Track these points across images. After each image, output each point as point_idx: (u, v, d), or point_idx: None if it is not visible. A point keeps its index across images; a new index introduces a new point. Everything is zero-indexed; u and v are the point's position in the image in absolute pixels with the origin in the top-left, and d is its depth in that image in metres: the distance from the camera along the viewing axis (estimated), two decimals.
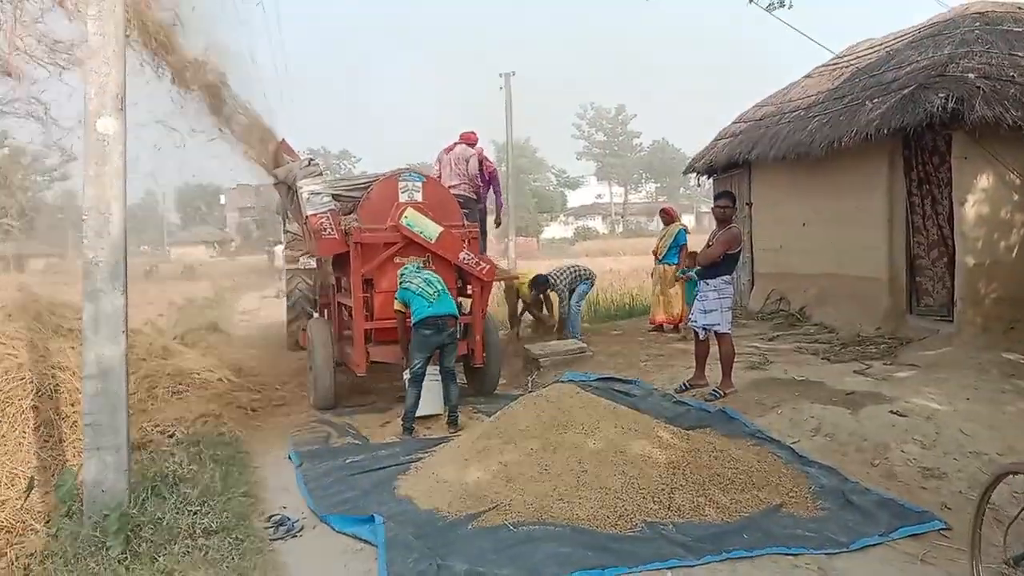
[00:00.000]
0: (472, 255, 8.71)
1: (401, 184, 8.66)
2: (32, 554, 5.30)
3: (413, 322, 7.60)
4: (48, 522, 5.73)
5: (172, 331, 13.80)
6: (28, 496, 5.97)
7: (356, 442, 7.44)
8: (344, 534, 5.17)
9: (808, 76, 13.21)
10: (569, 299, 11.31)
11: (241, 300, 26.15)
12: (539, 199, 74.83)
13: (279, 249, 22.19)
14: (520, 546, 4.68)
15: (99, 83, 5.17)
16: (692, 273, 10.34)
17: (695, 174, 14.93)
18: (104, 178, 5.21)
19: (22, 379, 7.15)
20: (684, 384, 8.10)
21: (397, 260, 8.43)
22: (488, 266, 8.92)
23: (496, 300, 13.68)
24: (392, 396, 9.11)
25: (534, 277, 11.55)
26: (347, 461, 6.68)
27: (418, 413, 7.68)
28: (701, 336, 7.90)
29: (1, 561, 5.31)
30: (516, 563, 4.45)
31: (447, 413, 7.84)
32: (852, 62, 12.06)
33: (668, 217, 11.76)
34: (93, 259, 5.20)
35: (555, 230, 77.51)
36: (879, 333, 9.67)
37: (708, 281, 7.72)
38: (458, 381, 8.01)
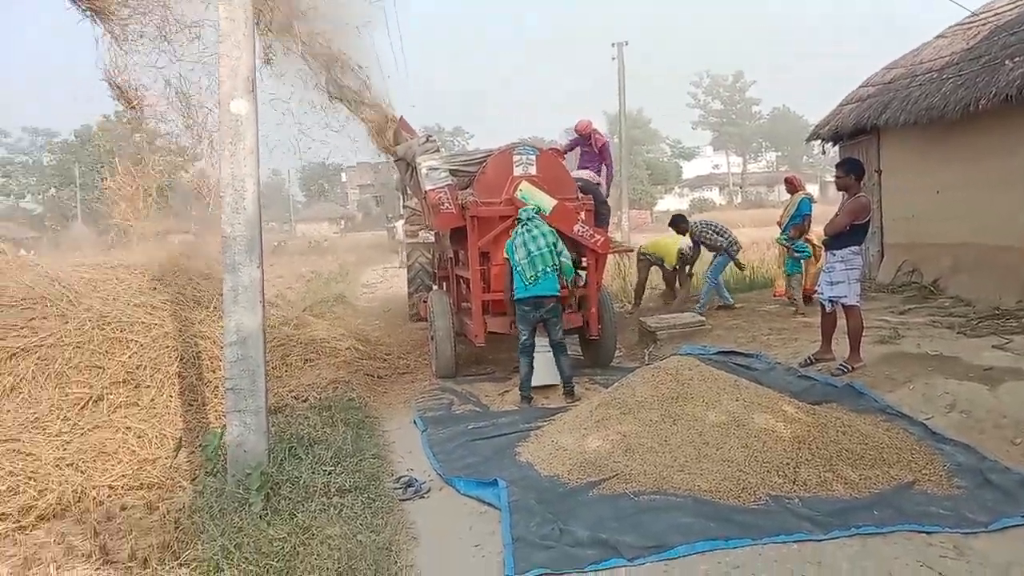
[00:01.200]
0: (587, 227, 8.70)
1: (515, 158, 8.73)
2: (181, 508, 5.72)
3: (514, 297, 7.78)
4: (194, 479, 6.17)
5: (301, 303, 14.47)
6: (177, 455, 6.44)
7: (477, 409, 7.65)
8: (468, 496, 5.36)
9: (941, 36, 12.42)
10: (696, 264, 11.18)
11: (363, 274, 27.04)
12: (653, 171, 73.54)
13: (399, 224, 22.77)
14: (641, 515, 4.72)
15: (231, 66, 5.44)
16: (786, 240, 10.00)
17: (819, 141, 14.34)
18: (238, 156, 5.48)
19: (168, 347, 7.68)
20: (809, 358, 7.86)
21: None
22: (602, 238, 8.89)
23: (612, 273, 13.66)
24: (510, 366, 9.26)
25: (673, 218, 11.40)
26: (469, 427, 6.87)
27: (534, 383, 7.79)
28: (827, 308, 7.64)
29: (154, 514, 5.75)
30: (638, 531, 4.49)
31: (562, 384, 7.89)
32: (990, 19, 11.25)
33: (792, 186, 11.38)
34: (230, 233, 5.50)
35: (669, 202, 76.09)
36: (1020, 306, 9.08)
37: (835, 252, 7.44)
38: (568, 352, 8.00)
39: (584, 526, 4.60)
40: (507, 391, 8.28)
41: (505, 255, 7.91)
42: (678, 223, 12.00)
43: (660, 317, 10.57)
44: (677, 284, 12.38)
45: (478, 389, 8.44)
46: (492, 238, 8.55)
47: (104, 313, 7.71)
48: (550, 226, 7.95)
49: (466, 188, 8.83)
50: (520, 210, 8.03)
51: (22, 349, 7.02)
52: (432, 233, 12.11)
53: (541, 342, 7.93)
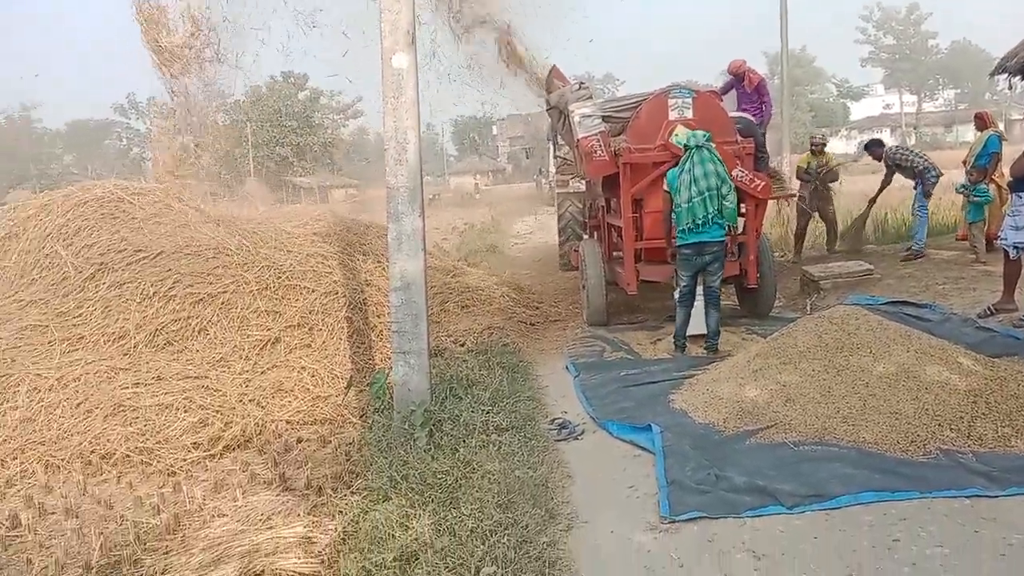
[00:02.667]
0: (746, 172, 8.39)
1: (671, 101, 8.50)
2: (351, 442, 6.12)
3: (676, 243, 7.50)
4: (363, 416, 6.57)
5: (456, 253, 14.91)
6: (347, 393, 6.86)
7: (629, 357, 7.65)
8: (622, 440, 5.41)
9: None
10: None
11: (514, 225, 27.40)
12: (817, 112, 69.56)
13: (550, 175, 22.88)
14: (801, 464, 4.61)
15: (391, 21, 5.58)
16: (963, 188, 9.20)
17: (1005, 75, 13.05)
18: (400, 110, 5.67)
19: (336, 294, 8.14)
20: (989, 308, 7.33)
21: None
22: (763, 183, 8.56)
23: (771, 221, 13.17)
24: (662, 315, 9.21)
25: (869, 143, 10.99)
26: (621, 374, 6.90)
27: (689, 332, 7.67)
28: (1011, 255, 7.06)
29: (327, 447, 6.18)
30: (797, 480, 4.39)
31: (705, 339, 7.61)
32: None
33: (982, 122, 10.48)
34: (394, 184, 5.72)
35: (836, 145, 71.84)
36: None
37: (1021, 195, 6.84)
38: (721, 305, 7.71)
39: (741, 473, 4.55)
40: (659, 339, 8.24)
41: (665, 188, 7.51)
42: (873, 147, 11.33)
43: (824, 265, 10.12)
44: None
45: (630, 337, 8.43)
46: (645, 185, 8.41)
47: (279, 262, 8.26)
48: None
49: (619, 135, 8.71)
50: (689, 135, 7.49)
51: (208, 295, 7.64)
52: (583, 182, 12.09)
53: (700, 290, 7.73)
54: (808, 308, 8.94)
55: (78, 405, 6.23)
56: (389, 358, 7.05)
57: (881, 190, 11.57)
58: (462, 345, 8.02)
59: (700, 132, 7.46)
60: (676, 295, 7.73)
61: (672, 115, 8.43)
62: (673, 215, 7.43)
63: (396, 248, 5.74)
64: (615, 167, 8.53)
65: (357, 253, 9.24)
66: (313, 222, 9.67)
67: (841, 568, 3.58)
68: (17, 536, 4.90)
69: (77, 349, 6.85)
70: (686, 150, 7.37)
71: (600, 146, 8.53)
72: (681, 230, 7.31)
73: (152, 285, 7.46)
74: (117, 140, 76.35)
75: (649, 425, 5.38)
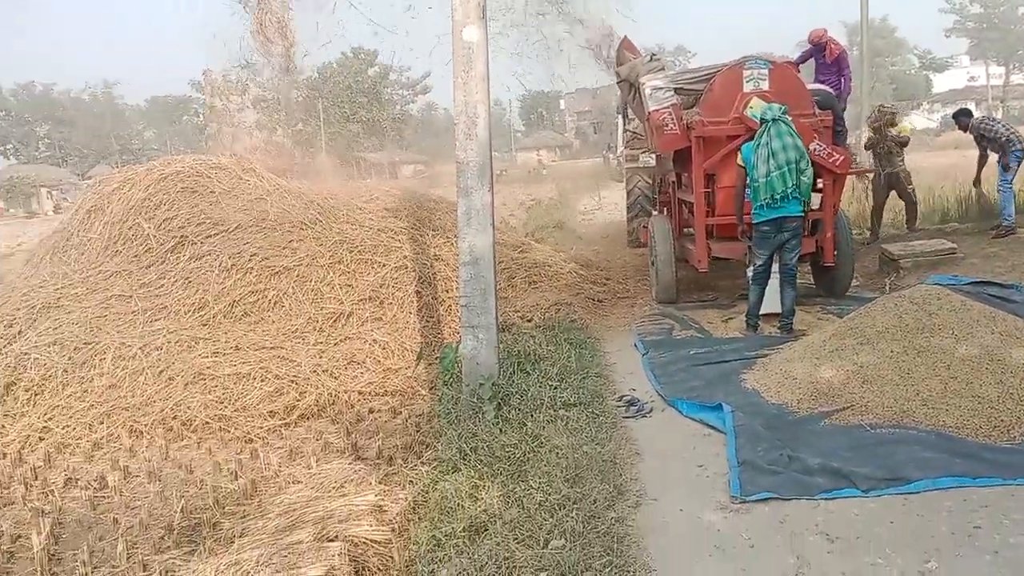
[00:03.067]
0: (824, 146, 8.13)
1: (746, 72, 8.28)
2: (421, 414, 6.23)
3: (752, 220, 7.32)
4: (432, 388, 6.66)
5: (523, 229, 14.90)
6: (417, 365, 6.96)
7: (699, 335, 7.56)
8: (691, 419, 5.36)
9: None
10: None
11: (581, 201, 27.22)
12: (898, 85, 66.95)
13: (618, 150, 22.62)
14: (878, 447, 4.50)
15: None
16: None
17: None
18: (470, 84, 5.65)
19: (406, 268, 8.24)
20: None
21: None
22: (841, 157, 8.29)
23: (849, 197, 12.79)
24: (734, 293, 9.06)
25: (957, 112, 10.61)
26: (691, 352, 6.82)
27: (763, 311, 7.52)
28: None
29: (397, 418, 6.30)
30: (874, 463, 4.29)
31: (779, 319, 7.40)
32: None
33: None
34: (464, 159, 5.72)
35: (917, 119, 69.18)
36: None
37: None
38: (796, 284, 7.49)
39: (815, 454, 4.46)
40: (731, 318, 8.11)
41: (740, 162, 7.32)
42: (960, 117, 10.87)
43: (905, 244, 9.78)
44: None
45: (700, 315, 8.32)
46: (719, 159, 8.24)
47: (352, 237, 8.40)
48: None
49: (691, 107, 8.55)
50: (765, 107, 7.28)
51: (283, 268, 7.83)
52: (653, 157, 11.91)
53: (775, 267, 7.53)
54: (887, 287, 8.67)
55: (160, 373, 6.49)
56: (457, 332, 7.13)
57: (980, 167, 11.06)
58: (529, 320, 8.03)
59: (776, 104, 7.25)
60: (750, 273, 7.57)
61: (747, 87, 8.21)
62: (748, 191, 7.25)
63: (465, 223, 5.76)
64: (687, 141, 8.36)
65: (426, 228, 9.33)
66: (383, 197, 9.77)
67: (919, 554, 3.50)
68: (104, 497, 5.14)
69: (159, 319, 7.11)
70: (762, 123, 7.16)
71: (672, 119, 8.37)
72: (759, 206, 7.10)
73: (230, 258, 7.68)
74: (194, 116, 78.32)
75: (720, 404, 5.32)
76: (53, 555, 4.34)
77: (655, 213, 11.23)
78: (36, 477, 5.47)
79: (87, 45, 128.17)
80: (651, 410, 5.62)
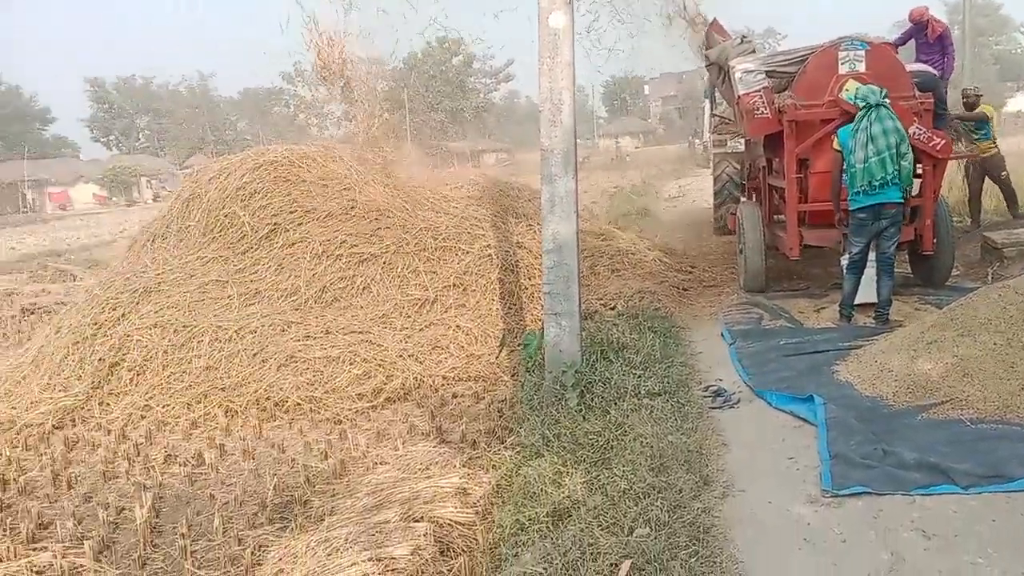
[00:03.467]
0: (924, 130, 7.78)
1: (841, 54, 7.98)
2: (503, 400, 6.27)
3: (849, 207, 7.05)
4: (514, 375, 6.70)
5: (606, 216, 14.80)
6: (501, 352, 7.01)
7: (789, 325, 7.37)
8: (781, 410, 5.24)
9: None
10: None
11: (666, 187, 26.86)
12: (1003, 65, 63.55)
13: (705, 136, 22.20)
14: (979, 442, 4.30)
15: None
16: None
17: None
18: (556, 70, 5.62)
19: (489, 256, 8.29)
20: None
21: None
22: (942, 142, 7.91)
23: (949, 183, 12.21)
24: (826, 282, 8.79)
25: None
26: (781, 343, 6.66)
27: (857, 300, 7.26)
28: None
29: (480, 403, 6.36)
30: (974, 459, 4.10)
31: (875, 308, 7.14)
32: None
33: None
34: (548, 146, 5.70)
35: (1022, 102, 65.52)
36: None
37: None
38: (894, 274, 7.21)
39: (911, 449, 4.30)
40: (823, 307, 7.87)
41: (836, 147, 7.09)
42: None
43: (1008, 231, 9.30)
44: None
45: (790, 304, 8.11)
46: (812, 144, 7.98)
47: (437, 225, 8.50)
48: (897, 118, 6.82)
49: (783, 90, 8.31)
50: (865, 91, 6.95)
51: (371, 255, 7.98)
52: (742, 142, 11.64)
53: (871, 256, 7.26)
54: (989, 277, 8.27)
55: (254, 355, 6.72)
56: (540, 319, 7.14)
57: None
58: (612, 308, 7.97)
59: (876, 87, 6.96)
60: (844, 261, 7.33)
61: (843, 69, 7.92)
62: (845, 176, 7.00)
63: (549, 210, 5.74)
64: (779, 125, 8.13)
65: (509, 216, 9.36)
66: (467, 185, 9.85)
67: (1023, 554, 3.33)
68: (202, 473, 5.37)
69: (253, 303, 7.36)
70: (862, 107, 6.88)
71: (763, 103, 8.16)
72: (855, 192, 6.85)
73: (320, 244, 7.88)
74: (284, 107, 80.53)
75: (811, 396, 5.18)
76: (154, 527, 4.56)
77: (744, 199, 10.99)
78: (138, 453, 5.76)
79: (184, 38, 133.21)
80: (738, 401, 5.52)
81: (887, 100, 6.84)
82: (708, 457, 4.50)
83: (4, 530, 4.57)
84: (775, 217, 9.45)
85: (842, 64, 7.93)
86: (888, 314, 7.06)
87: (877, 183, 6.70)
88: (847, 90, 7.71)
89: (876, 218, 6.88)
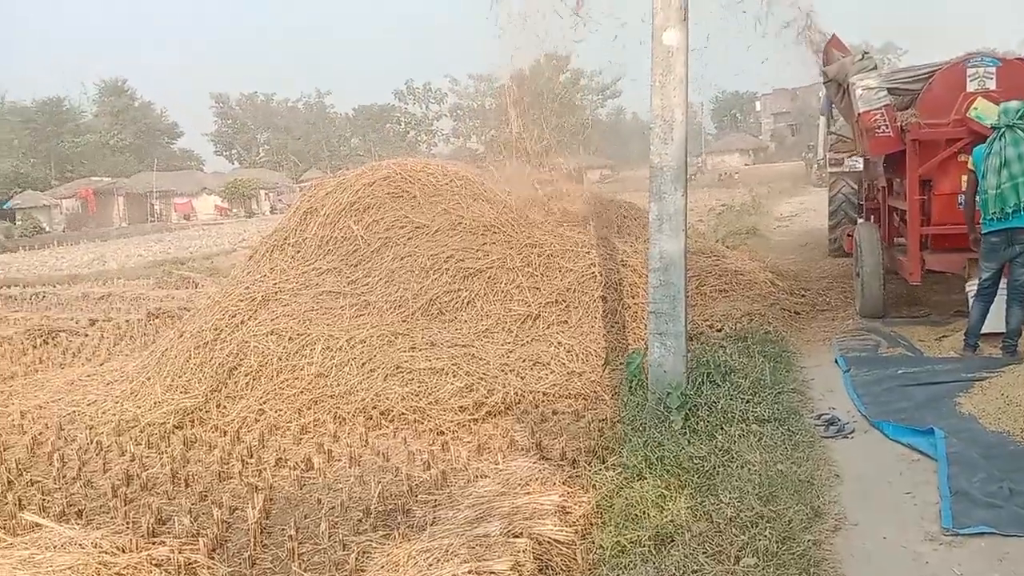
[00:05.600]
0: None
1: (970, 71, 7.61)
2: (604, 419, 6.22)
3: (981, 230, 6.70)
4: (615, 394, 6.63)
5: (713, 235, 14.52)
6: (604, 370, 6.96)
7: (909, 353, 7.04)
8: (898, 442, 5.02)
9: None
10: None
11: (777, 206, 26.16)
12: None
13: (819, 153, 21.53)
14: None
15: None
16: None
17: None
18: (668, 87, 5.57)
19: (592, 273, 8.27)
20: None
21: (962, 159, 7.52)
22: None
23: None
24: (949, 309, 8.35)
25: None
26: (899, 372, 6.37)
27: (984, 330, 6.85)
28: None
29: (581, 421, 6.32)
30: None
31: (1003, 339, 6.72)
32: None
33: None
34: (658, 163, 5.64)
35: None
36: None
37: None
38: None
39: None
40: (945, 336, 7.46)
41: (970, 167, 6.77)
42: None
43: None
44: None
45: (909, 332, 7.74)
46: (936, 164, 7.63)
47: (541, 241, 8.54)
48: None
49: (906, 108, 7.98)
50: (1000, 110, 6.63)
51: (476, 270, 8.09)
52: (859, 161, 11.22)
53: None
54: None
55: (363, 364, 6.90)
56: (642, 339, 7.06)
57: None
58: (719, 330, 7.81)
59: (1013, 106, 6.55)
60: (971, 288, 6.94)
61: (971, 86, 7.55)
62: (978, 200, 6.66)
63: (657, 228, 5.68)
64: (901, 144, 7.81)
65: (613, 233, 9.32)
66: (572, 202, 9.86)
67: None
68: (310, 477, 5.54)
69: (363, 314, 7.57)
70: (995, 128, 6.56)
71: (884, 121, 7.85)
72: (987, 218, 6.57)
73: (428, 259, 8.05)
74: (396, 124, 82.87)
75: (931, 428, 4.94)
76: (264, 528, 4.72)
77: (861, 220, 10.58)
78: (251, 455, 5.99)
79: (303, 56, 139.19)
80: (853, 431, 5.30)
81: (1021, 119, 6.46)
82: (820, 488, 4.34)
83: (127, 523, 4.84)
84: (895, 240, 9.07)
85: (970, 81, 7.57)
86: (1016, 345, 6.65)
87: (1011, 209, 6.38)
88: (976, 108, 7.35)
89: (1009, 243, 6.53)
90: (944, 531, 3.82)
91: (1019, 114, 6.49)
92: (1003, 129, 6.46)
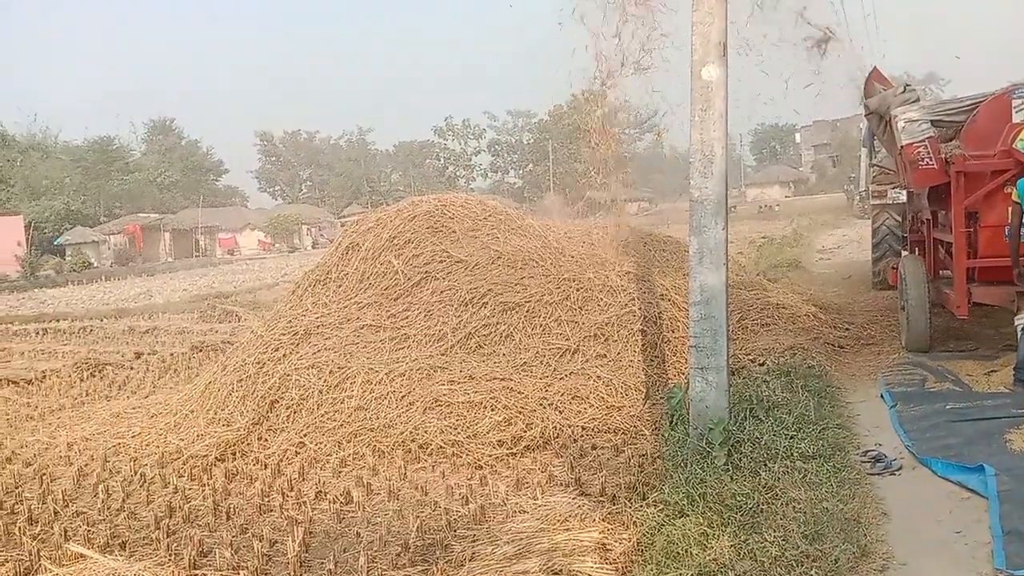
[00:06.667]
0: None
1: (1016, 101, 7.50)
2: (644, 454, 6.15)
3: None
4: (655, 429, 6.56)
5: (754, 268, 14.39)
6: (644, 405, 6.89)
7: (957, 388, 6.87)
8: (947, 480, 4.88)
9: None
10: None
11: (819, 239, 25.86)
12: None
13: (861, 185, 21.30)
14: None
15: (703, 33, 5.51)
16: None
17: None
18: (707, 122, 5.57)
19: (632, 307, 8.24)
20: None
21: (1007, 190, 7.38)
22: None
23: None
24: (998, 343, 8.15)
25: None
26: (947, 407, 6.22)
27: None
28: None
29: (620, 456, 6.26)
30: None
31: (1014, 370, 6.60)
32: None
33: None
34: (698, 197, 5.63)
35: None
36: None
37: None
38: None
39: None
40: (994, 371, 7.28)
41: (1015, 198, 6.69)
42: None
43: None
44: None
45: (957, 366, 7.56)
46: (982, 196, 7.50)
47: (579, 275, 8.54)
48: None
49: (950, 140, 7.89)
50: None
51: (515, 304, 8.11)
52: (903, 193, 11.08)
53: None
54: None
55: (402, 398, 6.93)
56: (683, 373, 6.99)
57: None
58: (762, 364, 7.70)
59: None
60: (1020, 321, 6.79)
61: (1017, 117, 7.44)
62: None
63: (698, 261, 5.65)
64: (945, 176, 7.71)
65: (652, 266, 9.28)
66: (610, 235, 9.86)
67: None
68: (349, 511, 5.55)
69: (403, 347, 7.62)
70: None
71: (928, 153, 7.76)
72: None
73: (467, 292, 8.10)
74: (435, 159, 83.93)
75: (981, 466, 4.80)
76: (303, 561, 4.74)
77: (906, 253, 10.43)
78: (291, 488, 6.03)
79: (345, 94, 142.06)
80: (900, 467, 5.17)
81: None
82: (866, 526, 4.23)
83: (170, 555, 4.89)
84: (940, 272, 8.91)
85: (1017, 112, 7.46)
86: None
87: None
88: (1022, 139, 7.23)
89: None
90: (997, 572, 3.70)
91: None
92: None
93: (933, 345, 8.24)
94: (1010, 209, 6.80)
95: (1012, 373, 6.78)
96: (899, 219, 12.22)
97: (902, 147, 7.99)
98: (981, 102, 7.77)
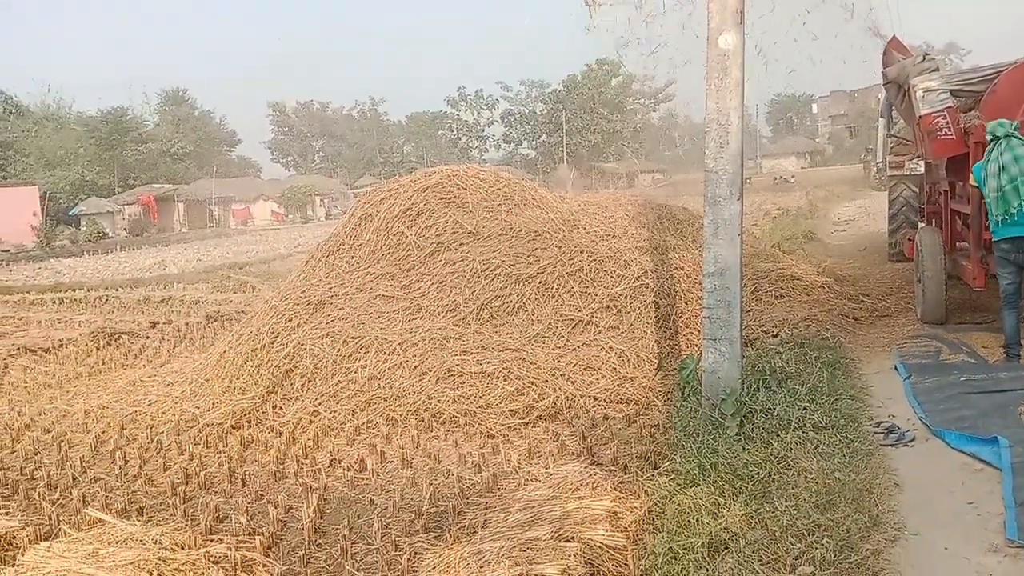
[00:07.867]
0: None
1: None
2: (656, 424, 6.18)
3: (992, 238, 6.65)
4: (667, 399, 6.57)
5: (769, 239, 14.30)
6: (656, 375, 6.90)
7: (971, 360, 6.83)
8: (960, 451, 4.86)
9: None
10: None
11: (834, 210, 25.65)
12: None
13: (878, 156, 21.06)
14: None
15: (720, 0, 5.45)
16: None
17: None
18: (724, 91, 5.49)
19: (645, 279, 8.22)
20: None
21: None
22: None
23: None
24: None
25: None
26: (962, 379, 6.19)
27: None
28: None
29: (632, 427, 6.29)
30: None
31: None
32: None
33: None
34: (713, 168, 5.57)
35: None
36: None
37: None
38: None
39: None
40: None
41: (972, 183, 6.83)
42: None
43: None
44: None
45: (972, 338, 7.51)
46: None
47: (592, 246, 8.51)
48: None
49: (969, 110, 7.77)
50: (995, 124, 6.67)
51: (528, 275, 8.11)
52: (920, 164, 10.95)
53: None
54: None
55: (415, 368, 6.97)
56: (695, 344, 6.99)
57: None
58: (775, 336, 7.67)
59: (1006, 121, 6.64)
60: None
61: None
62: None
63: (712, 233, 5.61)
64: (964, 147, 7.61)
65: (667, 238, 9.24)
66: (624, 207, 9.81)
67: None
68: (363, 478, 5.61)
69: (416, 318, 7.65)
70: (991, 140, 6.63)
71: (947, 123, 7.66)
72: (995, 223, 6.57)
73: (480, 264, 8.11)
74: (448, 130, 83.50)
75: (995, 437, 4.77)
76: (318, 528, 4.81)
77: (923, 225, 10.32)
78: (306, 455, 6.10)
79: (358, 64, 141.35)
80: (913, 439, 5.16)
81: (1016, 132, 6.53)
82: (879, 497, 4.23)
83: (186, 520, 4.96)
84: (957, 244, 8.82)
85: None
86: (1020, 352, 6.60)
87: (1014, 211, 6.37)
88: None
89: (1018, 250, 6.53)
90: (1009, 543, 3.69)
91: (1014, 126, 6.57)
92: (1000, 139, 6.52)
93: (949, 317, 8.18)
94: (970, 192, 6.79)
95: (1003, 349, 6.76)
96: (916, 190, 12.07)
97: (920, 117, 7.87)
98: (1001, 72, 7.64)
